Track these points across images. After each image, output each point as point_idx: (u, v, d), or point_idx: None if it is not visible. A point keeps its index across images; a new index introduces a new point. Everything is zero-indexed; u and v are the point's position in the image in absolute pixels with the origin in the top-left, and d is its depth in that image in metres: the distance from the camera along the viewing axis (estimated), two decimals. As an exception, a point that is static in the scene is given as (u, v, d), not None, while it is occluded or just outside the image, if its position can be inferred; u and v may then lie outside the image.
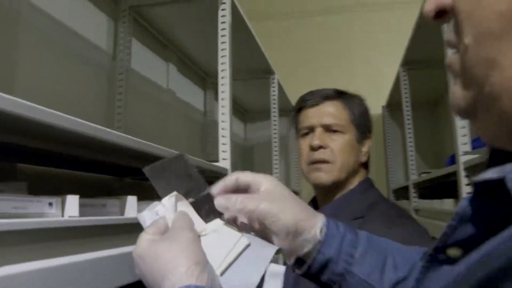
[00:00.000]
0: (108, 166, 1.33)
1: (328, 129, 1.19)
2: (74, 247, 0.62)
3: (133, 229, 0.80)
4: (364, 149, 1.23)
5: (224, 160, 1.53)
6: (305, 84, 3.47)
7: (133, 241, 0.78)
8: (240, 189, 0.59)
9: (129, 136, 0.88)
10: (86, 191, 1.48)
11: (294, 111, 1.30)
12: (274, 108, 2.70)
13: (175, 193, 0.55)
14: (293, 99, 3.33)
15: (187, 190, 0.57)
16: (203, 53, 2.38)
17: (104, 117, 1.68)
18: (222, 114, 1.56)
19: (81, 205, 0.74)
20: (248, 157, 3.87)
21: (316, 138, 1.17)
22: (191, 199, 0.57)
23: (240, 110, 3.79)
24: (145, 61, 2.01)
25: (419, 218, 2.12)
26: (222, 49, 1.57)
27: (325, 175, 1.16)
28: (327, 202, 1.19)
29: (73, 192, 1.29)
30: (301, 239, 0.56)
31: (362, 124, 1.22)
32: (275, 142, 2.72)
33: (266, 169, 2.77)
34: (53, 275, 0.57)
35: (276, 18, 3.88)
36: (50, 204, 0.62)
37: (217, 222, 0.55)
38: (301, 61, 3.75)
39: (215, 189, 0.58)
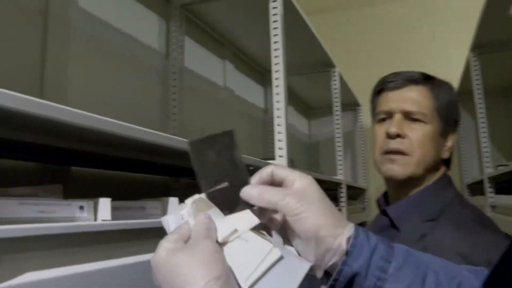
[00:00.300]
0: (164, 167, 1.32)
1: (408, 116, 1.06)
2: (105, 252, 0.59)
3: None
4: (448, 143, 1.09)
5: (280, 158, 1.47)
6: (368, 76, 3.34)
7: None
8: (275, 183, 0.56)
9: (184, 139, 0.87)
10: (143, 193, 1.49)
11: (373, 93, 1.19)
12: (336, 102, 2.61)
13: (197, 195, 0.50)
14: (357, 92, 3.26)
15: (224, 173, 0.54)
16: (260, 49, 2.34)
17: (159, 116, 1.67)
18: (277, 109, 1.50)
19: (118, 208, 0.71)
20: (313, 154, 3.79)
21: (394, 125, 1.05)
22: (223, 185, 0.54)
23: (303, 106, 3.72)
24: (199, 59, 1.99)
25: (496, 216, 1.96)
26: (275, 42, 1.51)
27: (399, 168, 1.04)
28: (399, 199, 1.08)
29: (129, 194, 1.29)
30: (325, 247, 0.51)
31: (449, 115, 1.08)
32: (339, 137, 2.63)
33: (331, 166, 2.69)
34: (83, 281, 0.54)
35: (331, 10, 3.77)
36: (81, 207, 0.59)
37: (245, 227, 0.50)
38: (362, 52, 3.60)
39: (251, 180, 0.56)
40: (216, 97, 2.12)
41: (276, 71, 1.51)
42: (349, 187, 2.97)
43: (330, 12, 3.75)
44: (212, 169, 0.54)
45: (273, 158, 1.48)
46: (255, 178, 0.56)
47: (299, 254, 0.53)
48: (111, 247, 0.60)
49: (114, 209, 0.70)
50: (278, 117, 1.50)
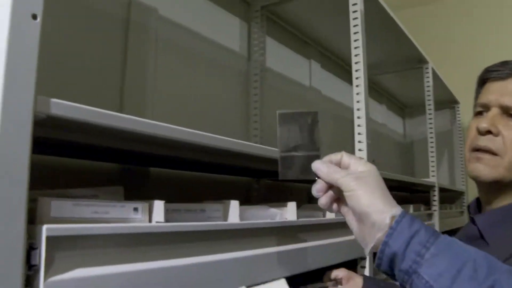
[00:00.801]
0: (246, 170, 1.34)
1: (507, 112, 0.91)
2: (158, 253, 0.61)
3: (232, 234, 0.77)
4: None
5: (360, 159, 1.43)
6: (466, 70, 3.16)
7: (230, 248, 0.75)
8: (342, 167, 0.66)
9: (266, 147, 0.93)
10: (223, 193, 1.52)
11: (476, 84, 1.05)
12: (429, 100, 2.48)
13: None
14: (454, 89, 3.08)
15: (302, 144, 0.68)
16: (347, 46, 2.29)
17: (241, 118, 1.69)
18: (358, 109, 1.46)
19: (178, 211, 0.73)
20: (407, 155, 3.65)
21: (486, 120, 0.91)
22: (299, 153, 0.68)
23: (397, 105, 3.60)
24: (282, 60, 1.99)
25: None
26: (355, 40, 1.47)
27: (484, 169, 0.91)
28: (491, 206, 0.94)
29: (209, 194, 1.33)
30: (371, 222, 0.59)
31: None
32: (432, 138, 2.50)
33: (425, 168, 2.57)
34: (130, 280, 0.56)
35: (419, 5, 3.59)
36: (135, 209, 0.62)
37: None
38: (459, 45, 3.40)
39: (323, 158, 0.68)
40: (301, 98, 2.11)
41: (357, 70, 1.46)
42: (445, 190, 2.82)
43: (418, 6, 3.58)
44: (292, 138, 0.69)
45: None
46: (326, 157, 0.68)
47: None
48: (164, 249, 0.62)
49: (174, 211, 0.72)
50: (358, 117, 1.46)
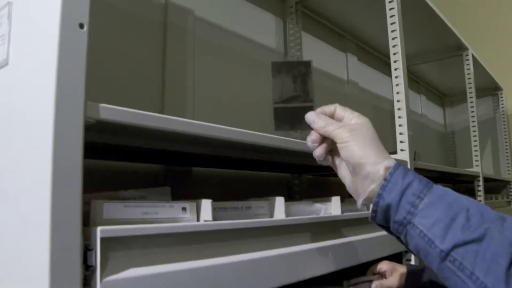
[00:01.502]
0: (286, 166, 1.34)
1: None
2: (208, 251, 0.62)
3: (279, 230, 0.77)
4: None
5: (402, 152, 1.41)
6: (508, 56, 3.07)
7: (277, 244, 0.76)
8: (336, 120, 0.66)
9: (303, 141, 0.90)
10: (265, 190, 1.53)
11: None
12: (471, 88, 2.42)
13: None
14: (497, 75, 2.99)
15: (295, 95, 0.68)
16: (383, 37, 2.25)
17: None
18: (398, 101, 1.44)
19: (225, 208, 0.74)
20: (449, 145, 3.58)
21: None
22: (292, 104, 0.67)
23: (437, 95, 3.52)
24: (319, 54, 1.98)
25: None
26: (393, 31, 1.45)
27: None
28: None
29: (252, 191, 1.34)
30: (364, 173, 0.59)
31: None
32: (474, 126, 2.44)
33: (468, 157, 2.51)
34: (182, 278, 0.57)
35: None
36: (184, 208, 0.63)
37: None
38: (499, 30, 3.29)
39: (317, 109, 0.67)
40: (339, 91, 2.10)
41: (395, 61, 1.44)
42: (490, 180, 2.75)
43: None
44: (285, 89, 0.67)
45: (395, 152, 1.42)
46: (319, 108, 0.67)
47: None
48: (213, 247, 0.63)
49: (220, 209, 0.73)
50: (398, 109, 1.44)
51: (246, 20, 1.57)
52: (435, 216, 0.52)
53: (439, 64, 2.68)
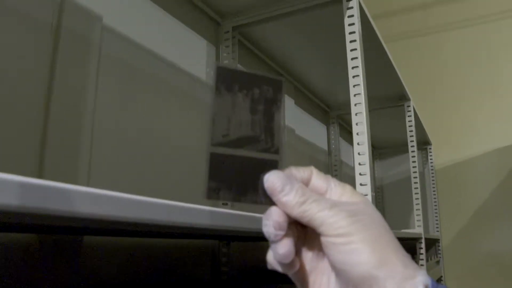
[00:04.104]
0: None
1: None
2: None
3: None
4: None
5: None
6: (444, 111, 2.98)
7: None
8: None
9: (236, 212, 0.56)
10: (184, 260, 1.18)
11: None
12: (412, 140, 2.23)
13: None
14: (430, 130, 2.88)
15: (248, 136, 0.37)
16: (326, 81, 2.03)
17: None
18: (359, 154, 1.19)
19: None
20: (377, 200, 3.41)
21: None
22: (242, 152, 0.36)
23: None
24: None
25: None
26: (354, 76, 1.19)
27: None
28: None
29: (165, 262, 0.98)
30: None
31: None
32: (416, 182, 2.24)
33: (400, 215, 2.32)
34: None
35: (399, 39, 3.43)
36: None
37: None
38: (437, 84, 3.23)
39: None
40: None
41: (357, 114, 1.20)
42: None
43: (395, 41, 3.41)
44: (236, 121, 0.36)
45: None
46: (286, 170, 0.38)
47: None
48: None
49: None
50: (360, 164, 1.17)
51: (172, 40, 1.25)
52: None
53: (374, 114, 2.50)
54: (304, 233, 0.38)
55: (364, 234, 0.34)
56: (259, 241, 1.39)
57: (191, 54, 1.34)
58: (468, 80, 3.11)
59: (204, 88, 1.37)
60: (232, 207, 1.29)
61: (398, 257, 0.34)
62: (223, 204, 1.26)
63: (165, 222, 0.41)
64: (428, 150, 3.20)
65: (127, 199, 0.37)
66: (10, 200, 0.27)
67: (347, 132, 2.69)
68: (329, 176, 0.39)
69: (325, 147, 2.41)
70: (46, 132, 0.82)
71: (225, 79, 0.36)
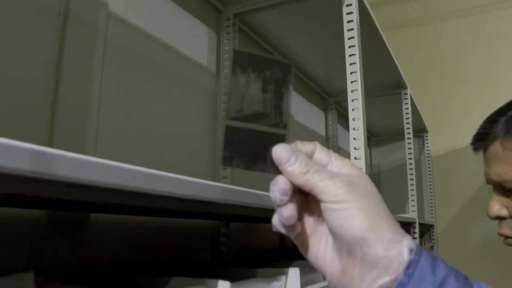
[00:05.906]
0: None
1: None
2: None
3: None
4: None
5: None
6: (441, 99, 3.01)
7: None
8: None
9: (236, 188, 0.63)
10: (182, 240, 1.23)
11: None
12: (408, 128, 2.28)
13: None
14: (427, 118, 2.92)
15: (259, 112, 0.42)
16: (324, 69, 2.06)
17: (208, 140, 1.41)
18: (355, 139, 1.22)
19: None
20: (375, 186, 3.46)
21: (491, 208, 0.95)
22: (254, 126, 0.41)
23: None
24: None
25: None
26: (351, 64, 1.23)
27: None
28: None
29: (164, 241, 1.03)
30: (372, 256, 0.37)
31: None
32: (411, 168, 2.29)
33: (397, 201, 2.37)
34: None
35: (398, 27, 3.45)
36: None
37: None
38: (429, 72, 3.26)
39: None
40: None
41: (353, 100, 1.23)
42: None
43: (395, 29, 3.43)
44: (249, 99, 0.41)
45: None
46: (292, 144, 0.43)
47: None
48: None
49: None
50: (355, 148, 1.21)
51: (175, 27, 1.29)
52: None
53: (371, 101, 2.54)
54: (306, 201, 0.43)
55: (358, 201, 0.39)
56: (258, 222, 1.44)
57: (193, 40, 1.37)
58: (466, 69, 3.14)
59: (205, 75, 1.41)
60: (232, 182, 1.34)
61: (388, 224, 0.39)
62: (222, 178, 1.32)
63: (166, 193, 0.45)
64: (425, 138, 3.24)
65: (131, 169, 0.41)
66: (23, 165, 0.30)
67: (344, 119, 2.72)
68: (331, 151, 0.44)
69: (323, 133, 2.45)
70: (54, 112, 0.86)
71: (240, 61, 0.41)
